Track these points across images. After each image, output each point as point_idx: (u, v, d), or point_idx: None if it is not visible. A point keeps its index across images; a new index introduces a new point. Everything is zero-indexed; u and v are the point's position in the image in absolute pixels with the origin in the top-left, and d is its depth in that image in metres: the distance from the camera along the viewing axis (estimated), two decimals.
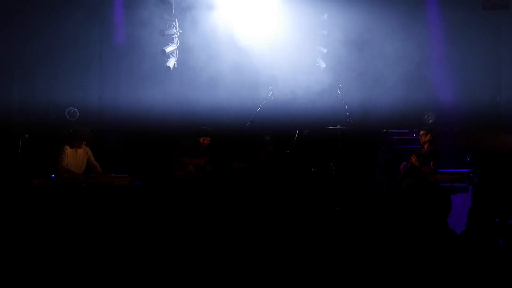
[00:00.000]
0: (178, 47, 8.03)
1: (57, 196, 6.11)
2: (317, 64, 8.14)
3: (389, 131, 7.33)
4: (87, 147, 6.75)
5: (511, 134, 7.43)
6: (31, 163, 6.73)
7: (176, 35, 7.93)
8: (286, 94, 7.90)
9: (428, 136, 6.84)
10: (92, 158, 6.76)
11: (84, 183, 6.39)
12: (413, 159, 6.55)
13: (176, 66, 8.05)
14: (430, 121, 7.45)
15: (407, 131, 7.47)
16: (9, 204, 6.12)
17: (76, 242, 5.45)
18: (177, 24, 7.93)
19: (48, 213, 5.95)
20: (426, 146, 6.86)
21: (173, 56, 7.96)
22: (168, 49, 7.83)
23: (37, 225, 5.79)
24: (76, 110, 7.41)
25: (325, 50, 8.08)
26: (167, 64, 7.86)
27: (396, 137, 7.40)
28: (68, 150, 6.56)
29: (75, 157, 6.63)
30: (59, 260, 4.95)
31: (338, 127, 6.99)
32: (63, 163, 6.50)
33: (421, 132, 6.94)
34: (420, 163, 6.55)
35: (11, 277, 4.52)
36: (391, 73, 7.84)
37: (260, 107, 7.28)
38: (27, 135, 6.47)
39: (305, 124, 7.62)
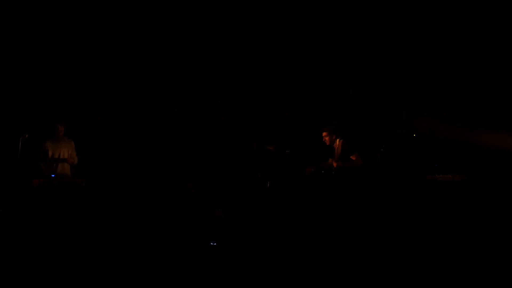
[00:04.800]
0: None
1: (57, 196, 6.11)
2: None
3: None
4: (70, 140, 6.98)
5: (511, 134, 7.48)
6: (31, 163, 6.76)
7: None
8: None
9: (333, 136, 6.86)
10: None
11: (84, 183, 6.40)
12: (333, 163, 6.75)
13: None
14: None
15: None
16: (9, 204, 6.12)
17: (76, 242, 5.45)
18: None
19: (48, 213, 5.95)
20: (336, 145, 6.85)
21: None
22: None
23: (37, 225, 5.79)
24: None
25: None
26: None
27: None
28: (49, 144, 6.84)
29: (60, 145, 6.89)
30: (59, 260, 4.96)
31: None
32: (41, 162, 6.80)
33: (324, 133, 6.90)
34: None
35: (11, 277, 4.52)
36: None
37: None
38: (27, 135, 6.48)
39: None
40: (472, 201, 6.38)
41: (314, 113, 7.99)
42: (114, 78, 8.21)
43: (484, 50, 7.81)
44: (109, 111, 8.12)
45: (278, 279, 4.54)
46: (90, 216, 6.00)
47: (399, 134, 7.66)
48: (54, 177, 6.45)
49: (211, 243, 5.69)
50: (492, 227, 5.88)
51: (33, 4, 7.57)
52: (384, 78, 8.14)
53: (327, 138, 6.93)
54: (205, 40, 8.18)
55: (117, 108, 8.17)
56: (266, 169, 7.13)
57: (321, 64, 8.16)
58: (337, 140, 6.87)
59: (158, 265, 4.95)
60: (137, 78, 8.28)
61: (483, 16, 7.57)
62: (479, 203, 6.38)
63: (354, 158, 6.64)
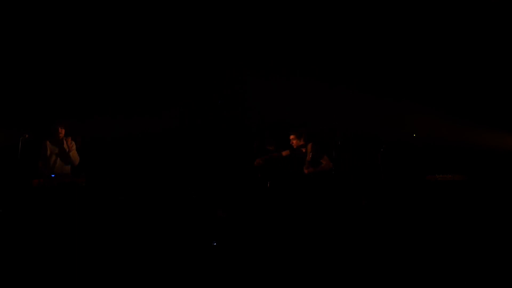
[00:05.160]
0: None
1: (57, 196, 6.11)
2: None
3: None
4: (71, 140, 6.90)
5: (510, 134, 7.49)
6: (31, 163, 6.76)
7: None
8: None
9: (301, 139, 6.90)
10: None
11: (84, 183, 6.39)
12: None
13: None
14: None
15: None
16: (9, 204, 6.12)
17: (77, 242, 5.45)
18: None
19: (48, 213, 5.95)
20: (305, 149, 6.89)
21: None
22: None
23: (37, 225, 5.79)
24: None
25: None
26: None
27: None
28: (48, 144, 6.81)
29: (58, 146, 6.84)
30: (59, 260, 4.96)
31: None
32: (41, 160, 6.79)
33: (292, 136, 6.93)
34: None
35: (11, 277, 4.52)
36: None
37: None
38: (27, 135, 6.49)
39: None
40: (472, 201, 6.38)
41: (314, 113, 7.99)
42: (114, 78, 8.21)
43: (484, 50, 7.81)
44: (109, 111, 8.12)
45: (281, 280, 4.54)
46: (90, 216, 5.99)
47: (399, 134, 7.66)
48: (54, 177, 6.45)
49: (212, 243, 5.69)
50: (492, 227, 5.88)
51: (33, 4, 7.57)
52: (384, 78, 8.14)
53: (294, 142, 6.93)
54: (205, 40, 8.18)
55: (117, 108, 8.17)
56: (266, 169, 7.13)
57: (321, 64, 8.16)
58: (308, 144, 6.89)
59: (159, 265, 4.95)
60: (137, 78, 8.28)
61: (483, 16, 7.57)
62: (479, 203, 6.38)
63: (324, 162, 6.67)
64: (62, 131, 6.84)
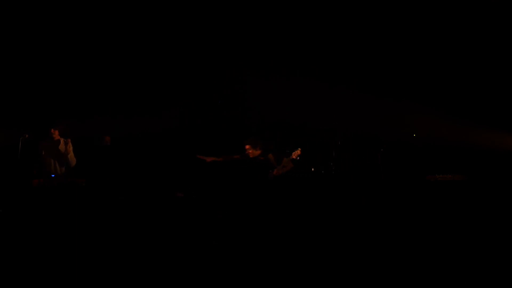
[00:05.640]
0: None
1: (57, 196, 6.11)
2: None
3: None
4: (68, 141, 6.88)
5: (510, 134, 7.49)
6: (31, 163, 6.76)
7: None
8: None
9: (257, 148, 6.99)
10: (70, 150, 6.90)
11: (84, 183, 6.40)
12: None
13: None
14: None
15: None
16: (9, 204, 6.12)
17: (77, 242, 5.45)
18: None
19: (48, 213, 5.95)
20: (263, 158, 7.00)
21: None
22: None
23: (37, 225, 5.79)
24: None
25: None
26: None
27: None
28: (43, 145, 6.84)
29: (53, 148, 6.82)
30: (59, 260, 4.96)
31: None
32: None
33: (247, 146, 6.98)
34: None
35: (11, 277, 4.52)
36: None
37: None
38: (27, 135, 6.49)
39: None
40: (472, 201, 6.38)
41: (314, 113, 8.00)
42: (114, 78, 8.21)
43: (483, 50, 7.81)
44: (109, 111, 8.12)
45: (280, 280, 4.54)
46: (90, 216, 5.99)
47: (399, 134, 7.66)
48: (54, 177, 6.45)
49: (213, 244, 5.69)
50: (492, 227, 5.87)
51: (33, 4, 7.57)
52: (384, 78, 8.14)
53: (250, 151, 6.95)
54: (205, 40, 8.18)
55: (117, 108, 8.17)
56: (266, 169, 7.13)
57: (321, 64, 8.17)
58: (267, 154, 7.01)
59: (158, 265, 4.95)
60: (137, 79, 8.28)
61: (483, 16, 7.57)
62: (479, 203, 6.37)
63: (286, 164, 6.83)
64: (55, 133, 6.82)
